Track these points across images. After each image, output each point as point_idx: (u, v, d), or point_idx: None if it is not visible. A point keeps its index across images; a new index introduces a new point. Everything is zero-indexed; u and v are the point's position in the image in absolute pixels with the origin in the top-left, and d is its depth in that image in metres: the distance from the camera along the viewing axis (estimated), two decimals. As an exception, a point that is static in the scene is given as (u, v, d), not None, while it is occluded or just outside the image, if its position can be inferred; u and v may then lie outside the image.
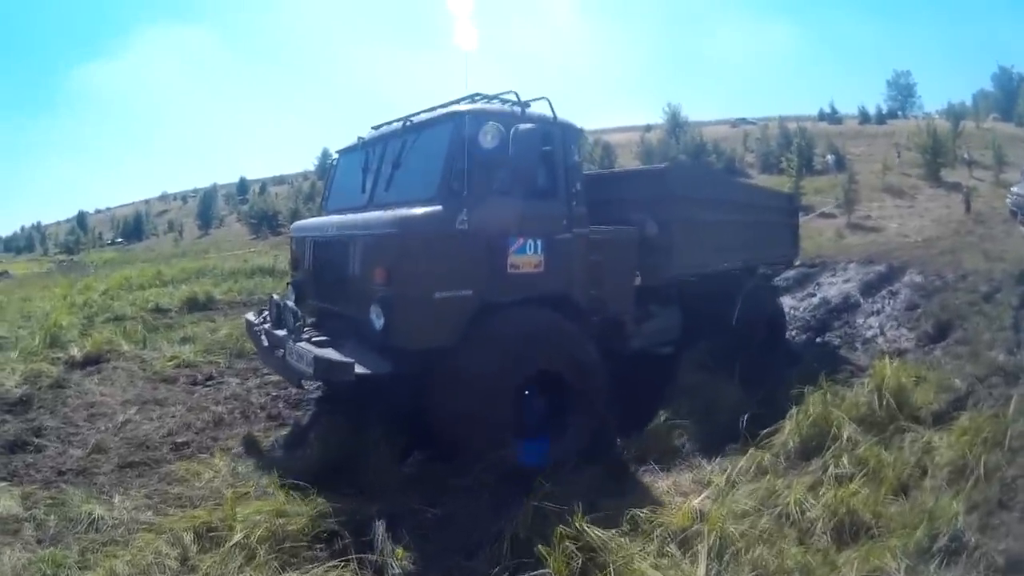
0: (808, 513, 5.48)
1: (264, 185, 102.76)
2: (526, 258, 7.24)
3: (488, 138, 6.65)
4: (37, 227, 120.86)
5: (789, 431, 7.01)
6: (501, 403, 6.70)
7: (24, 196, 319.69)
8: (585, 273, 7.91)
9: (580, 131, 8.33)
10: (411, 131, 7.68)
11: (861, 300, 15.98)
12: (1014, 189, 29.20)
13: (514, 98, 7.71)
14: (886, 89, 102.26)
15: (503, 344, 6.83)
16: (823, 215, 30.03)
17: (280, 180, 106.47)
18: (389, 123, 8.41)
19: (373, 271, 6.80)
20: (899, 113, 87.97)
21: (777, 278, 14.94)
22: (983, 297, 13.70)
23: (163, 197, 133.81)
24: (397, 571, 4.97)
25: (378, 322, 6.57)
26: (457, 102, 7.73)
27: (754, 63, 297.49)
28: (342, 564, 4.96)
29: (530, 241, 7.25)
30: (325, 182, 10.16)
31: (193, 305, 17.97)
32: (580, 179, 7.97)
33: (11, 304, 19.89)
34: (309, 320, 7.81)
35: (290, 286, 8.89)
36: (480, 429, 6.51)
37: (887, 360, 8.30)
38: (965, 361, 9.64)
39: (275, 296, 8.61)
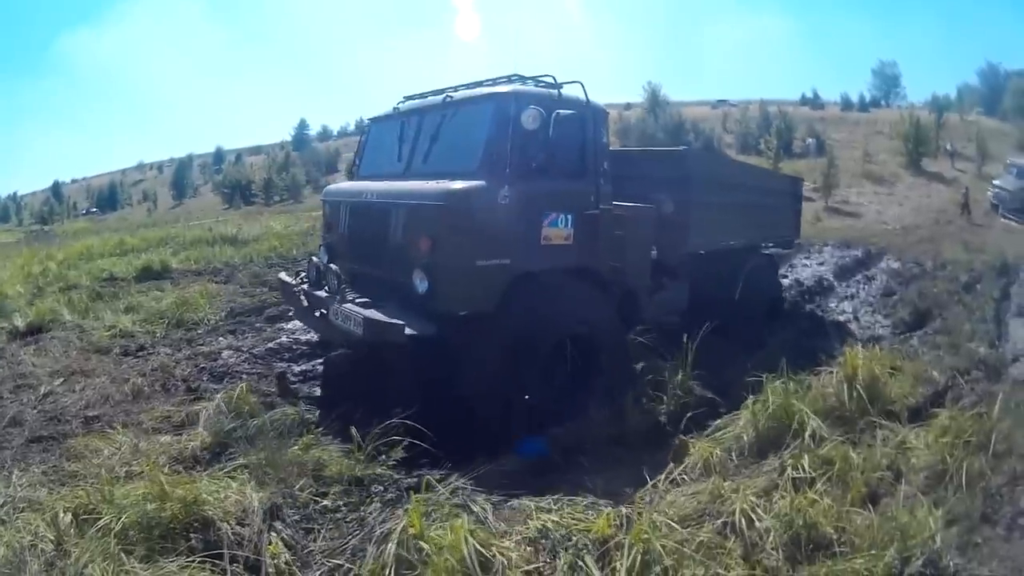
0: (758, 524, 4.73)
1: (240, 155, 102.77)
2: (557, 231, 7.61)
3: (531, 120, 6.89)
4: (13, 197, 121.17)
5: (744, 424, 6.34)
6: (531, 364, 7.06)
7: (0, 166, 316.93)
8: (608, 246, 8.19)
9: (607, 113, 8.63)
10: (452, 106, 7.91)
11: (835, 284, 15.72)
12: (996, 182, 29.47)
13: (551, 80, 7.93)
14: (871, 78, 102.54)
15: (535, 309, 7.16)
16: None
17: (256, 150, 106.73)
18: (423, 95, 8.73)
19: (419, 238, 7.07)
20: (883, 102, 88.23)
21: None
22: (963, 287, 13.62)
23: (139, 167, 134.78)
24: (270, 570, 4.49)
25: (421, 286, 6.94)
26: (496, 82, 8.02)
27: (738, 46, 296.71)
28: (201, 559, 4.42)
29: (562, 215, 7.61)
30: (357, 148, 10.29)
31: (148, 274, 17.50)
32: (607, 158, 8.27)
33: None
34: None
35: (322, 248, 9.11)
36: (512, 390, 6.87)
37: (859, 348, 7.66)
38: (944, 352, 9.16)
39: (314, 258, 8.85)
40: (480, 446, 6.33)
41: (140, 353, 10.20)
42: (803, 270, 17.11)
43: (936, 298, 12.69)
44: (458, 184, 6.94)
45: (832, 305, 14.07)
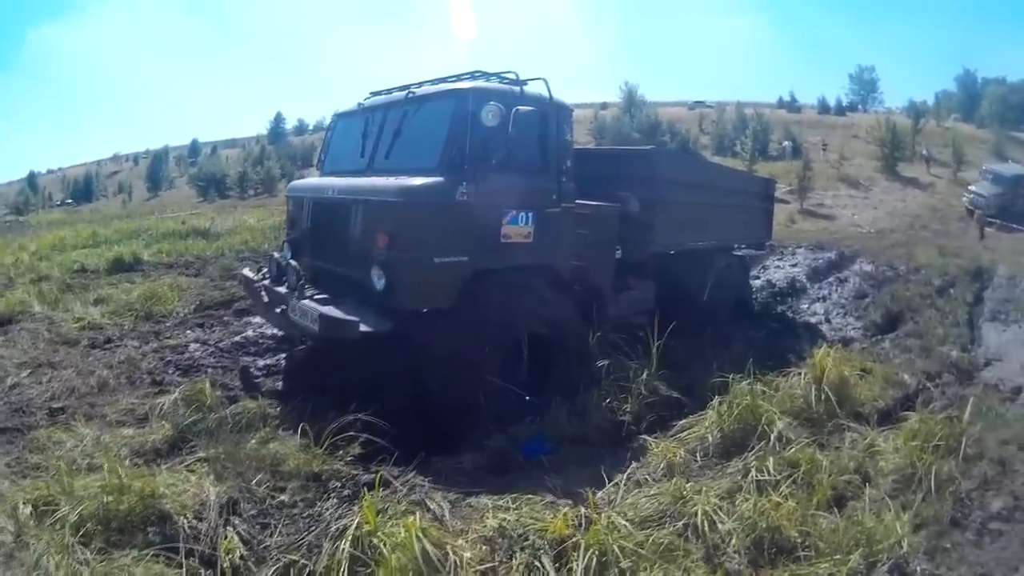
0: (720, 526, 4.65)
1: (215, 148, 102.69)
2: (518, 229, 7.61)
3: (490, 116, 6.88)
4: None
5: (709, 425, 6.27)
6: (491, 361, 6.97)
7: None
8: (570, 245, 8.27)
9: (571, 110, 8.62)
10: (414, 102, 7.92)
11: (808, 285, 15.66)
12: (972, 188, 29.67)
13: (513, 77, 7.93)
14: (848, 82, 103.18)
15: (493, 307, 7.13)
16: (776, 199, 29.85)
17: (232, 143, 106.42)
18: (389, 91, 8.74)
19: (376, 235, 7.09)
20: (860, 107, 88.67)
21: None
22: (936, 291, 13.52)
23: (115, 158, 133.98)
24: (225, 564, 4.44)
25: (379, 283, 6.94)
26: (459, 78, 8.00)
27: (716, 48, 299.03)
28: (157, 552, 4.37)
29: (522, 213, 7.62)
30: (322, 144, 10.29)
31: (119, 266, 17.47)
32: (570, 156, 8.31)
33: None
34: (308, 277, 8.10)
35: (286, 244, 8.99)
36: (471, 387, 6.74)
37: (827, 349, 7.58)
38: (915, 355, 9.15)
39: (275, 254, 8.92)
40: (440, 443, 6.34)
41: (108, 345, 10.13)
42: (776, 271, 17.10)
43: (909, 301, 12.59)
44: (416, 180, 6.99)
45: (804, 307, 14.03)
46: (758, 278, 15.99)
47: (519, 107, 7.14)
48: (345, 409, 6.11)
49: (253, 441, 6.01)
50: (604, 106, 74.64)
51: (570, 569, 4.17)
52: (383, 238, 6.95)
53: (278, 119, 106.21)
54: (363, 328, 6.57)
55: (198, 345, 10.11)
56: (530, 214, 7.64)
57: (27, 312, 11.70)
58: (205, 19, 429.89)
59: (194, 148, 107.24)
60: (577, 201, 8.28)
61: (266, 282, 8.61)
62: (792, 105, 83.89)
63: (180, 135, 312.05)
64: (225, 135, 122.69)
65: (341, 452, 5.95)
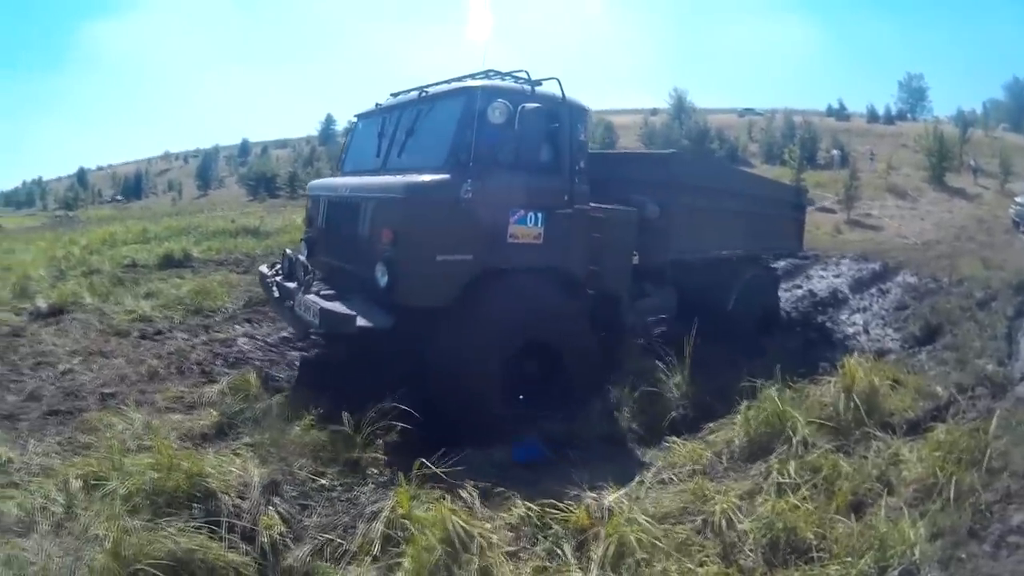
0: (739, 525, 4.77)
1: (266, 148, 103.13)
2: (526, 229, 7.55)
3: (496, 114, 6.94)
4: (38, 182, 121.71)
5: (736, 428, 6.39)
6: (492, 362, 7.07)
7: (26, 152, 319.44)
8: (584, 248, 8.14)
9: (587, 111, 8.57)
10: (426, 101, 8.03)
11: (849, 295, 15.55)
12: (1018, 199, 29.01)
13: (525, 76, 7.93)
14: (897, 91, 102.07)
15: (497, 308, 7.14)
16: (823, 209, 29.54)
17: (283, 144, 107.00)
18: (406, 91, 8.78)
19: (380, 231, 7.15)
20: (908, 115, 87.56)
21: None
22: (977, 304, 13.28)
23: (165, 156, 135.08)
24: (264, 540, 4.69)
25: (382, 280, 6.94)
26: (471, 77, 8.03)
27: (766, 55, 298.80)
28: (200, 525, 4.59)
29: (531, 213, 7.55)
30: (343, 145, 10.66)
31: (170, 262, 17.66)
32: (584, 157, 8.23)
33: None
34: (319, 275, 8.23)
35: (303, 242, 9.28)
36: (470, 386, 6.87)
37: (858, 357, 7.57)
38: (950, 368, 9.04)
39: (288, 251, 9.03)
40: (474, 436, 6.43)
41: (157, 337, 10.36)
42: (819, 281, 17.05)
43: (949, 314, 12.44)
44: (420, 177, 7.07)
45: (844, 317, 13.94)
46: (800, 287, 16.09)
47: (525, 105, 7.13)
48: (383, 401, 6.25)
49: (297, 428, 6.24)
50: (654, 112, 74.34)
51: (589, 557, 4.36)
52: (387, 234, 7.01)
53: (328, 120, 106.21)
54: (360, 323, 6.68)
55: (246, 339, 10.29)
56: (539, 215, 7.60)
57: (78, 303, 11.93)
58: (258, 20, 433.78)
59: (244, 148, 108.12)
60: (593, 204, 8.20)
61: (278, 278, 8.70)
62: (841, 113, 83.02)
63: (230, 135, 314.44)
64: (276, 135, 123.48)
65: (380, 441, 6.18)
